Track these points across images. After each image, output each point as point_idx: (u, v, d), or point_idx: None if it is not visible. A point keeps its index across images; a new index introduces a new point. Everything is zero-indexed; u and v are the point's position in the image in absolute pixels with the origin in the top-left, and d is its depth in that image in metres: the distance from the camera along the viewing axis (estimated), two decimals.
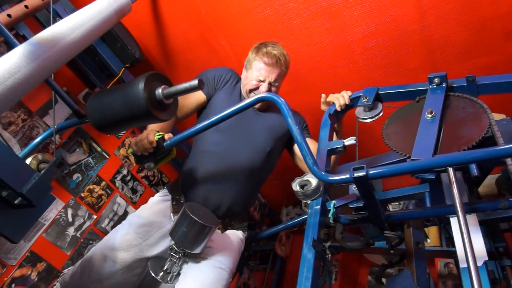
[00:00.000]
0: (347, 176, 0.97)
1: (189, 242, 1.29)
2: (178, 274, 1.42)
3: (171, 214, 1.52)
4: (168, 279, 1.39)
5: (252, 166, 1.54)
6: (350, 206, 1.17)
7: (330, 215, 1.12)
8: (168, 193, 1.61)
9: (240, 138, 1.55)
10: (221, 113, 1.25)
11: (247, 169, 1.53)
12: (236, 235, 1.58)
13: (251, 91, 1.56)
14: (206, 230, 1.29)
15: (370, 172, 0.94)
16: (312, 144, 1.56)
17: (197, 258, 1.42)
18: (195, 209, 1.32)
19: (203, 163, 1.54)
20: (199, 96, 1.60)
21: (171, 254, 1.40)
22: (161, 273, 1.40)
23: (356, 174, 0.94)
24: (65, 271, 1.54)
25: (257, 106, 1.55)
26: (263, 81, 1.54)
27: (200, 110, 1.65)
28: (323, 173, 1.03)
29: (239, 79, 1.69)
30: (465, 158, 0.89)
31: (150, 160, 1.31)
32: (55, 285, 1.52)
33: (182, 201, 1.54)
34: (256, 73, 1.54)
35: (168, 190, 1.62)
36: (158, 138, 1.28)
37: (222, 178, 1.52)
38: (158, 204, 1.57)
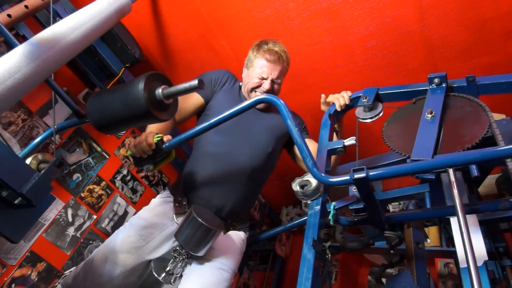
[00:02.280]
0: (347, 177, 0.96)
1: (193, 245, 1.29)
2: (181, 276, 1.41)
3: (174, 216, 1.50)
4: (171, 280, 1.38)
5: (253, 167, 1.53)
6: (350, 207, 1.16)
7: (330, 216, 1.11)
8: (170, 194, 1.59)
9: (241, 138, 1.54)
10: (220, 114, 1.23)
11: (248, 170, 1.52)
12: (238, 236, 1.57)
13: (253, 89, 1.55)
14: (211, 233, 1.29)
15: (370, 173, 0.93)
16: (312, 144, 1.56)
17: (200, 260, 1.41)
18: (201, 212, 1.32)
19: (204, 164, 1.53)
20: (196, 99, 1.58)
21: (175, 256, 1.39)
22: (164, 274, 1.39)
23: (356, 176, 0.93)
24: (66, 272, 1.52)
25: (258, 106, 1.54)
26: (266, 79, 1.53)
27: (199, 114, 1.64)
28: (323, 174, 1.03)
29: (236, 80, 1.69)
30: (465, 159, 0.89)
31: (149, 162, 1.30)
32: (55, 286, 1.50)
33: (184, 203, 1.52)
34: (258, 71, 1.52)
35: (170, 191, 1.60)
36: (157, 140, 1.26)
37: (224, 179, 1.51)
38: (160, 205, 1.56)
